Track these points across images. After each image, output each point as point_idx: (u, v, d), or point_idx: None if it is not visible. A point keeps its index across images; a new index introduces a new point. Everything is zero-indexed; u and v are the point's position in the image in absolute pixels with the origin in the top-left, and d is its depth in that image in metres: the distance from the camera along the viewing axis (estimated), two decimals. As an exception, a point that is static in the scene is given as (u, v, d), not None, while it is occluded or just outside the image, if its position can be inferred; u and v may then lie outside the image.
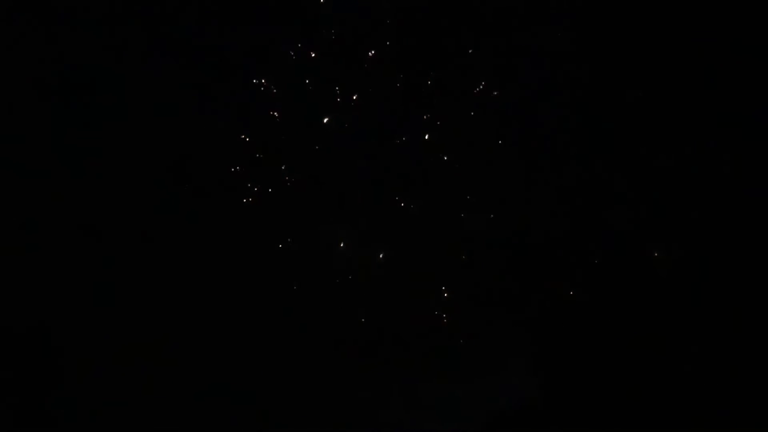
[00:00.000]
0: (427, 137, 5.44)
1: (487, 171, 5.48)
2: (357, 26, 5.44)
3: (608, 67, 5.47)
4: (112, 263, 5.31)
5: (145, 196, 5.37)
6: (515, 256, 5.46)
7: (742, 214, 5.36)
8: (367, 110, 5.44)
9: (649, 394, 5.28)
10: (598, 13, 5.47)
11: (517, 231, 5.45)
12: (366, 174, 5.47)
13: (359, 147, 5.46)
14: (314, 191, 5.46)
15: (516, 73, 5.45)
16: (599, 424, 5.24)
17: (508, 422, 5.32)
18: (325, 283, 5.44)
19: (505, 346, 5.42)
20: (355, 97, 5.39)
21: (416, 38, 5.45)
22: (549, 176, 5.45)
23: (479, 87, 5.46)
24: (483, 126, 5.47)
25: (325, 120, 5.37)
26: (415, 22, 5.45)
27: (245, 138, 5.44)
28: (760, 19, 5.38)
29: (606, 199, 5.46)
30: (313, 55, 5.43)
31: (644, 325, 5.35)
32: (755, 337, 5.25)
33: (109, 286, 5.30)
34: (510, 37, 5.43)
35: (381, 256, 5.45)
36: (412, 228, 5.47)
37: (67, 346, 5.25)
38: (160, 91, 5.41)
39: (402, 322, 5.43)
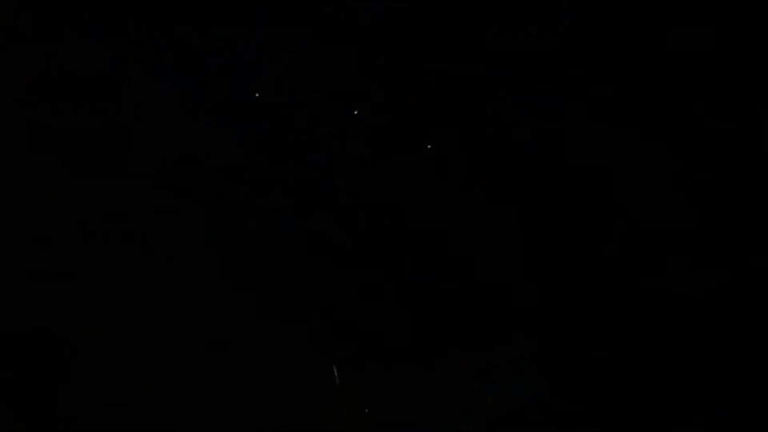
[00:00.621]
0: (429, 147, 5.46)
1: (488, 171, 5.49)
2: (362, 33, 5.45)
3: (609, 67, 5.48)
4: (112, 263, 5.31)
5: (145, 197, 5.37)
6: (516, 255, 5.47)
7: (742, 214, 5.37)
8: (372, 118, 5.45)
9: (650, 393, 5.28)
10: (600, 13, 5.49)
11: (518, 231, 5.46)
12: (370, 177, 5.48)
13: (363, 154, 5.48)
14: (316, 196, 5.48)
15: (519, 74, 5.47)
16: (600, 424, 5.24)
17: (509, 422, 5.32)
18: (325, 284, 5.45)
19: (506, 346, 5.42)
20: (356, 112, 5.41)
21: (421, 43, 5.47)
22: (550, 176, 5.46)
23: (487, 90, 5.48)
24: (488, 129, 5.49)
25: (330, 128, 5.39)
26: (417, 26, 5.47)
27: (248, 141, 5.46)
28: (760, 19, 5.39)
29: (606, 198, 5.46)
30: (316, 61, 5.43)
31: (644, 325, 5.35)
32: (755, 338, 5.25)
33: (109, 286, 5.30)
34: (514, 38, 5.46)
35: (382, 257, 5.46)
36: (414, 229, 5.47)
37: (68, 346, 5.25)
38: (161, 92, 5.41)
39: (402, 322, 5.44)
